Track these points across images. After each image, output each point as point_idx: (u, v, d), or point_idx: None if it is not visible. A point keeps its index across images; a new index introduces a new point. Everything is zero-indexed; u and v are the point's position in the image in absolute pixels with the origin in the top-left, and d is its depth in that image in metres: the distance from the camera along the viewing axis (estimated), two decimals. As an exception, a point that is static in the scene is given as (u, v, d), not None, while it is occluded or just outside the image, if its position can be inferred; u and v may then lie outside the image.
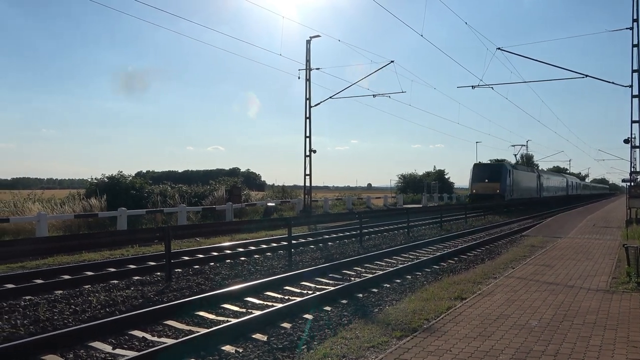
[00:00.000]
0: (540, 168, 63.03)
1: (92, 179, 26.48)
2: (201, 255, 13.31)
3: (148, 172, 55.18)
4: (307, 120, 29.30)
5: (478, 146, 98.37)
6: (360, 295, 8.91)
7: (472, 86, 27.56)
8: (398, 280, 10.34)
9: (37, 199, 22.68)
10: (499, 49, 24.33)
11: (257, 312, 7.32)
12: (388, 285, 9.83)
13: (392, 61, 27.71)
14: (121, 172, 26.34)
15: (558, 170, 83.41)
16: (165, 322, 7.03)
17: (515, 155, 52.85)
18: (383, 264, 12.69)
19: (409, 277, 10.80)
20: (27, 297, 8.56)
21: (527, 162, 69.77)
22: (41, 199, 23.00)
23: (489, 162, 44.41)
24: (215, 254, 13.59)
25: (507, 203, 37.98)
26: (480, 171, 40.42)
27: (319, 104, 30.03)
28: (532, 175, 49.40)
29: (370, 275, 10.59)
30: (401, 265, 11.92)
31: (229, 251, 14.17)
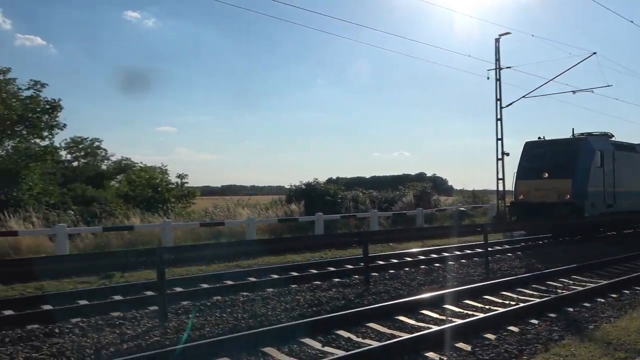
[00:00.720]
0: None
1: (290, 185, 28.71)
2: (395, 260, 13.50)
3: (338, 178, 57.64)
4: (498, 122, 27.93)
5: None
6: (571, 309, 8.19)
7: (697, 72, 23.03)
8: (614, 295, 9.30)
9: (245, 205, 25.21)
10: None
11: (459, 321, 7.19)
12: (602, 300, 8.89)
13: (594, 53, 25.15)
14: (316, 179, 28.13)
15: None
16: (367, 324, 7.26)
17: None
18: (594, 275, 11.53)
19: (627, 291, 9.64)
20: (244, 294, 9.53)
21: None
22: (248, 204, 25.48)
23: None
24: (409, 259, 13.68)
25: (591, 223, 19.13)
26: (535, 156, 20.27)
27: (510, 104, 28.44)
28: None
29: (581, 288, 9.69)
30: (617, 278, 10.70)
31: (422, 257, 14.16)
